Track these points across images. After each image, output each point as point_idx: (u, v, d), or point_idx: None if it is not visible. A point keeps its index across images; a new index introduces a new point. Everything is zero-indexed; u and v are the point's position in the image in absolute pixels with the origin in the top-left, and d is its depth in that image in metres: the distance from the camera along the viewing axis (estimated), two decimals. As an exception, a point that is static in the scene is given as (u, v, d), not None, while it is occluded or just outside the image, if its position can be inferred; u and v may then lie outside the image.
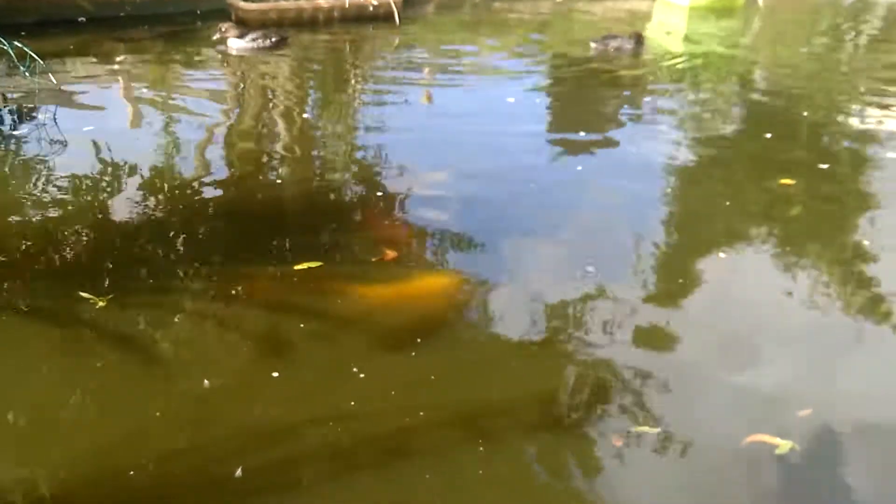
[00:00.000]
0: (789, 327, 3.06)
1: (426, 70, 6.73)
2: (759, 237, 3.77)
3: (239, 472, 2.27)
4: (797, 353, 2.91)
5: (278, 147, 4.84)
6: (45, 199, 3.92)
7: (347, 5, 8.38)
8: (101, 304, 3.00)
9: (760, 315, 3.12)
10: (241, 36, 7.04)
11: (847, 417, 2.56)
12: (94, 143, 4.63)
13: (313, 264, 3.33)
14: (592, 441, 2.45)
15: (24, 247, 3.45)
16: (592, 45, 7.73)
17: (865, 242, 3.74)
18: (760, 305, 3.20)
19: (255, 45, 6.99)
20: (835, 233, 3.91)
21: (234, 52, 6.84)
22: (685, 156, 4.85)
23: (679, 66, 7.37)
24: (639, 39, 7.74)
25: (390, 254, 3.45)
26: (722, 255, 3.57)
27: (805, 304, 3.23)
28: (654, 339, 2.98)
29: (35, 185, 4.11)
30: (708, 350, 2.92)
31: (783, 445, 2.39)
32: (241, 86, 6.22)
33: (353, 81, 5.97)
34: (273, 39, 7.10)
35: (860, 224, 3.98)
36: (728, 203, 4.09)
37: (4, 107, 5.19)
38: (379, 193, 4.14)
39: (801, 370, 2.81)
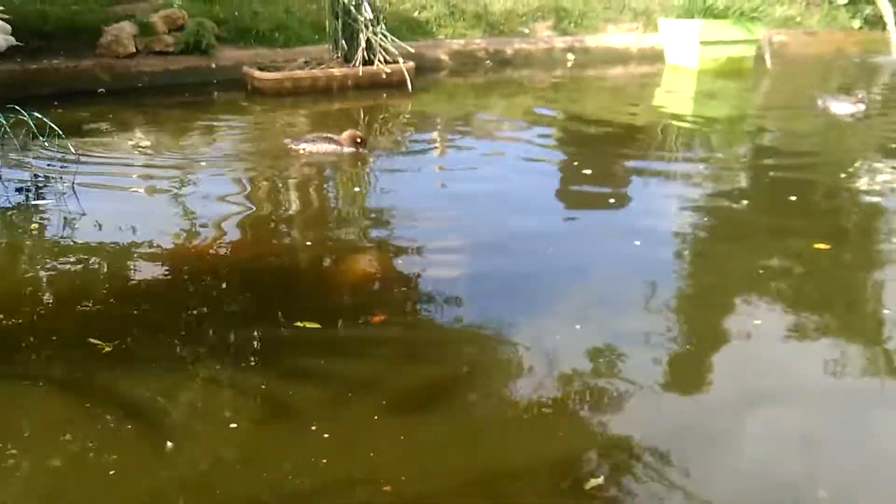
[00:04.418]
0: (816, 392, 2.98)
1: (437, 136, 6.78)
2: (798, 303, 3.65)
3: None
4: (826, 423, 2.82)
5: (290, 215, 4.85)
6: (61, 267, 3.92)
7: (360, 74, 8.51)
8: (106, 348, 3.05)
9: (788, 382, 3.04)
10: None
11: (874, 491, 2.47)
12: (111, 213, 4.64)
13: (310, 325, 3.29)
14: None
15: (37, 312, 3.44)
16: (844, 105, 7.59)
17: None
18: (791, 372, 3.12)
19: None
20: (877, 299, 3.82)
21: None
22: (707, 220, 4.78)
23: (690, 130, 7.40)
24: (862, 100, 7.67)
25: (378, 317, 3.41)
26: (757, 321, 3.48)
27: (838, 372, 3.15)
28: (672, 403, 2.90)
29: (52, 253, 4.10)
30: (730, 416, 2.83)
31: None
32: (257, 153, 6.26)
33: (366, 149, 6.01)
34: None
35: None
36: (761, 271, 3.99)
37: (26, 178, 5.24)
38: (390, 256, 4.12)
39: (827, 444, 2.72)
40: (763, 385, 3.01)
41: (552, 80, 9.98)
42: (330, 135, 6.05)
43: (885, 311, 3.58)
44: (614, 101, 8.78)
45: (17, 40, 7.89)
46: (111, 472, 2.44)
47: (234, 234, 4.41)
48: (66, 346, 3.18)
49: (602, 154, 6.38)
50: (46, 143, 5.48)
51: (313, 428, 2.66)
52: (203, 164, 5.75)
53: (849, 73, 10.83)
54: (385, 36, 8.58)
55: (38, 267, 3.97)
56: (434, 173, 5.83)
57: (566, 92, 9.40)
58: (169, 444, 2.56)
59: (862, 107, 7.55)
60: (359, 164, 5.85)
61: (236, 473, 2.48)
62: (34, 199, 4.90)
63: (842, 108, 7.57)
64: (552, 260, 4.10)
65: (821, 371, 3.14)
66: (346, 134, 5.99)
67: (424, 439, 2.66)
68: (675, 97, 9.34)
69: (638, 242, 4.31)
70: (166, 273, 3.89)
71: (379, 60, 8.56)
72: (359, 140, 5.93)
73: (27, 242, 4.30)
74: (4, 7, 7.71)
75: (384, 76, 8.60)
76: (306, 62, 8.72)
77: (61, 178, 5.20)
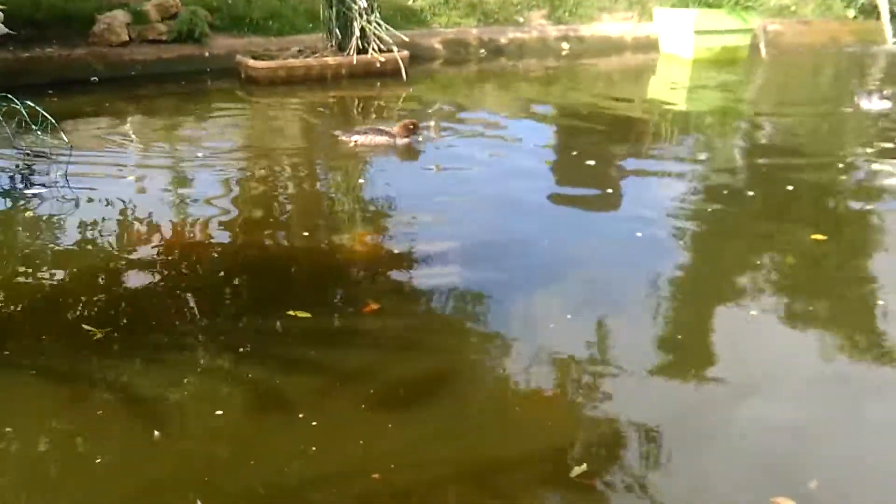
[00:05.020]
0: (810, 383, 3.00)
1: (433, 125, 6.77)
2: (794, 294, 3.65)
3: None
4: (817, 411, 2.84)
5: (284, 204, 4.85)
6: (54, 256, 3.93)
7: (354, 62, 8.48)
8: (98, 335, 3.06)
9: (782, 373, 3.06)
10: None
11: (866, 482, 2.48)
12: (105, 202, 4.64)
13: (302, 314, 3.30)
14: (606, 500, 2.38)
15: (29, 299, 3.45)
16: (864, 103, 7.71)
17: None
18: (785, 363, 3.14)
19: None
20: (872, 290, 3.81)
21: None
22: (703, 211, 4.77)
23: (685, 120, 7.40)
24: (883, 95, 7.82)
25: (373, 306, 3.42)
26: (753, 312, 3.49)
27: (832, 363, 3.16)
28: (665, 393, 2.91)
29: (45, 242, 4.11)
30: (723, 406, 2.84)
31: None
32: (250, 142, 6.25)
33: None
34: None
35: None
36: (757, 262, 3.99)
37: (17, 166, 5.22)
38: (384, 247, 4.13)
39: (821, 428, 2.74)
40: (757, 375, 3.02)
41: (546, 69, 9.96)
42: (381, 126, 6.06)
43: (880, 303, 3.59)
44: (609, 91, 8.77)
45: (9, 29, 7.86)
46: (98, 461, 2.45)
47: (227, 225, 4.40)
48: (59, 333, 3.19)
49: (598, 144, 6.37)
50: (39, 132, 5.46)
51: (300, 416, 2.67)
52: (199, 154, 5.74)
53: (843, 63, 10.82)
54: (379, 24, 8.56)
55: (31, 255, 3.97)
56: (429, 164, 5.82)
57: (561, 81, 9.39)
58: (156, 433, 2.58)
59: (888, 104, 7.71)
60: (413, 153, 5.86)
61: (224, 461, 2.49)
62: (27, 188, 4.89)
63: (871, 104, 7.72)
64: (547, 252, 4.11)
65: (815, 362, 3.16)
66: (398, 125, 6.00)
67: (414, 429, 2.67)
68: (670, 87, 9.34)
69: (640, 234, 4.30)
70: (158, 262, 3.89)
71: (373, 49, 8.54)
72: (412, 126, 5.94)
73: (19, 231, 4.30)
74: (-4, -5, 7.69)
75: (378, 65, 8.58)
76: (300, 51, 8.69)
77: (54, 166, 5.19)
